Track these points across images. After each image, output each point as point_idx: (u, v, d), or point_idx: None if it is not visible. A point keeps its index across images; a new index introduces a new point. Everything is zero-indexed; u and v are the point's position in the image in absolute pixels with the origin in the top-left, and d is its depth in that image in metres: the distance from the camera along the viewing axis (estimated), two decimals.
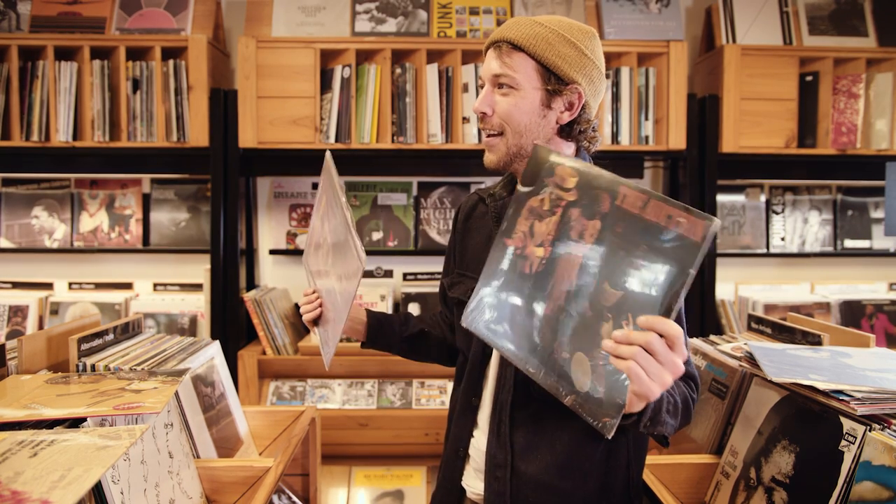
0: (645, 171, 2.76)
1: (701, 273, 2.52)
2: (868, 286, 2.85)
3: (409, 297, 2.65)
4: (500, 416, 1.16)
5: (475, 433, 1.23)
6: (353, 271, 1.11)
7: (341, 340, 2.55)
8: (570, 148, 1.17)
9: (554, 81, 1.09)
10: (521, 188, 1.02)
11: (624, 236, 0.87)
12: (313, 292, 1.33)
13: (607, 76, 2.47)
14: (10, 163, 2.52)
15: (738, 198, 2.82)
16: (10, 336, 2.62)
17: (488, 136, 1.15)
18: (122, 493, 0.95)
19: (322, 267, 1.32)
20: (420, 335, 1.40)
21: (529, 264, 0.99)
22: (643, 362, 0.81)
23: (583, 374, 0.89)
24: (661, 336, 0.81)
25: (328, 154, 1.30)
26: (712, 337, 1.61)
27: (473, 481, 1.22)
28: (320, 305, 1.31)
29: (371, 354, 2.46)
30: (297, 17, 2.54)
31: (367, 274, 2.79)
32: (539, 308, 0.96)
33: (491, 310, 1.03)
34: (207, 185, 2.67)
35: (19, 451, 0.79)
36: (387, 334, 1.37)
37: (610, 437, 0.86)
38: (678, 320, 1.08)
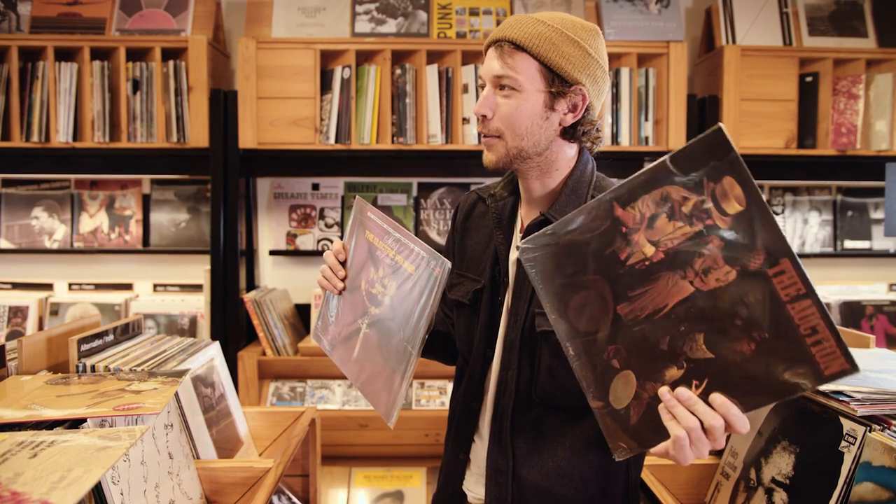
0: None
1: None
2: (868, 287, 2.84)
3: None
4: (502, 421, 1.15)
5: (476, 438, 1.22)
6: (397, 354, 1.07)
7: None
8: (572, 149, 1.14)
9: (557, 83, 1.06)
10: (670, 164, 0.80)
11: (753, 310, 0.74)
12: (343, 276, 1.22)
13: None
14: (10, 163, 2.52)
15: None
16: (10, 337, 2.62)
17: (485, 136, 1.12)
18: (122, 494, 0.95)
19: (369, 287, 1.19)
20: (432, 334, 1.36)
21: (629, 252, 0.84)
22: (695, 438, 0.76)
23: (623, 392, 0.83)
24: (724, 421, 0.76)
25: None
26: None
27: (474, 486, 1.22)
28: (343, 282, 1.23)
29: None
30: (297, 18, 2.54)
31: None
32: (615, 302, 0.86)
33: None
34: (207, 185, 2.67)
35: (19, 451, 0.79)
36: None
37: (617, 460, 0.84)
38: None
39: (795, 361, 0.71)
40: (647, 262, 0.83)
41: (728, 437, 1.29)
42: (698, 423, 0.77)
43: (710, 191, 0.77)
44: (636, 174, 0.84)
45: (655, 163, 0.82)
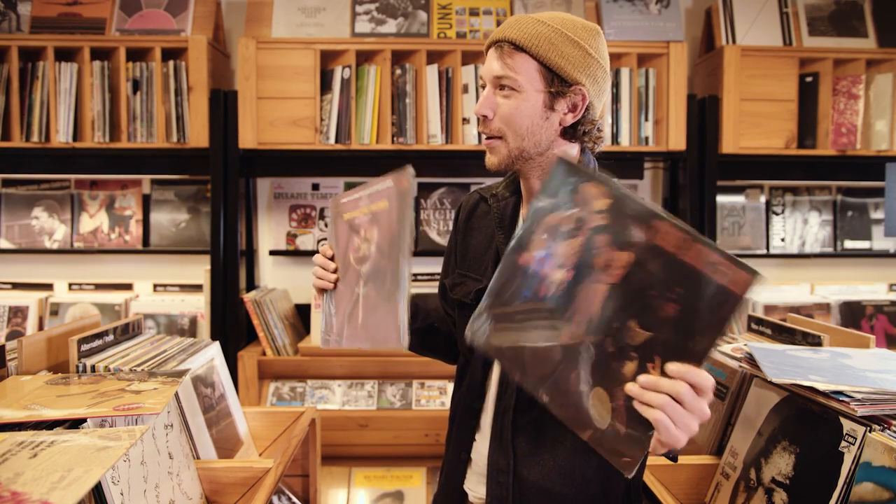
0: (645, 171, 2.76)
1: None
2: (868, 287, 2.84)
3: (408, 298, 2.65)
4: (503, 420, 1.15)
5: (477, 437, 1.22)
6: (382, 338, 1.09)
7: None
8: (573, 149, 1.15)
9: (557, 83, 1.06)
10: (539, 203, 0.93)
11: (658, 275, 0.81)
12: (334, 269, 1.24)
13: None
14: (10, 163, 2.52)
15: (738, 199, 2.82)
16: (10, 337, 2.62)
17: (488, 138, 1.12)
18: (122, 494, 0.95)
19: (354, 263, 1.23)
20: (429, 330, 1.36)
21: (546, 286, 0.91)
22: (672, 413, 0.78)
23: (602, 409, 0.85)
24: (691, 387, 0.78)
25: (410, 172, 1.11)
26: None
27: (475, 485, 1.22)
28: (335, 280, 1.24)
29: (371, 355, 2.47)
30: (297, 18, 2.54)
31: None
32: (556, 335, 0.90)
33: None
34: (207, 185, 2.67)
35: (19, 451, 0.79)
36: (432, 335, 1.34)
37: (630, 476, 0.82)
38: None
39: (713, 296, 0.78)
40: (563, 286, 0.90)
41: (729, 433, 1.29)
42: (668, 399, 0.78)
43: (578, 202, 0.90)
44: (520, 227, 0.96)
45: (531, 210, 0.95)
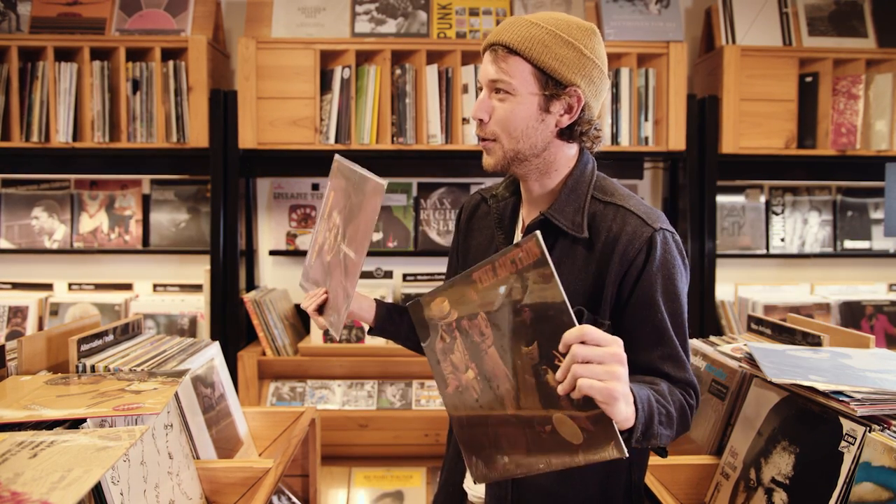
0: (644, 171, 2.76)
1: (700, 274, 2.53)
2: (868, 287, 2.85)
3: (408, 298, 2.65)
4: None
5: None
6: (370, 192, 1.17)
7: (341, 341, 2.55)
8: (572, 149, 1.15)
9: (552, 85, 1.06)
10: (424, 345, 1.07)
11: (502, 303, 0.93)
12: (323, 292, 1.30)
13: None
14: (10, 163, 2.52)
15: (738, 199, 2.82)
16: (9, 337, 2.62)
17: (483, 140, 1.13)
18: (121, 494, 0.95)
19: (328, 256, 1.30)
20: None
21: (472, 390, 1.01)
22: (586, 372, 0.82)
23: (570, 428, 0.89)
24: (583, 343, 0.84)
25: (338, 157, 1.32)
26: (712, 338, 1.61)
27: (475, 485, 1.22)
28: (325, 294, 1.29)
29: (371, 354, 2.47)
30: (296, 18, 2.54)
31: (367, 275, 2.79)
32: (503, 414, 0.98)
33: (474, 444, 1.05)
34: (207, 185, 2.67)
35: (19, 451, 0.79)
36: (395, 322, 1.34)
37: (627, 455, 0.83)
38: (679, 324, 1.08)
39: (532, 277, 0.89)
40: (478, 378, 1.00)
41: (729, 433, 1.29)
42: (575, 366, 0.83)
43: (436, 319, 1.04)
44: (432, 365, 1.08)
45: (426, 351, 1.07)
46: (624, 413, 0.85)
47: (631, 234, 1.06)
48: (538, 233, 0.86)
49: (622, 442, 0.84)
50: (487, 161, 1.14)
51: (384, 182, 1.15)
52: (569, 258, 1.11)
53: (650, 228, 1.06)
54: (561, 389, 0.85)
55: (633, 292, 1.06)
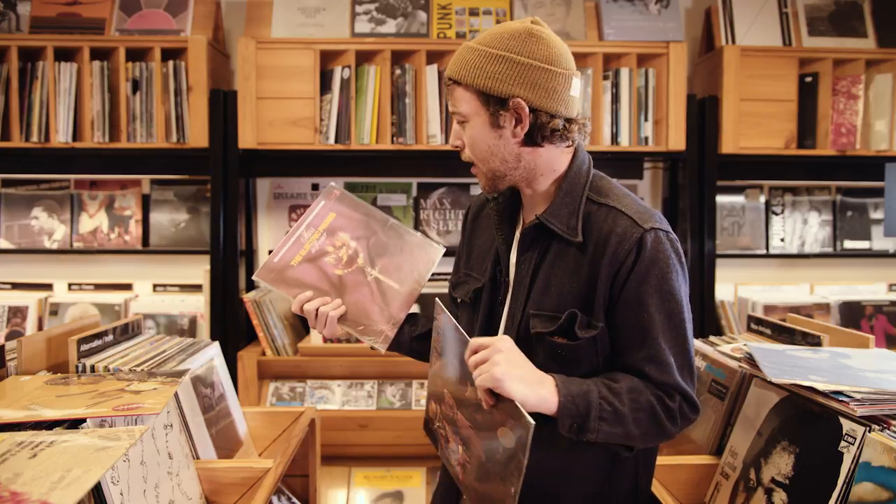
0: (644, 171, 2.76)
1: (700, 274, 2.53)
2: (867, 287, 2.85)
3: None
4: None
5: None
6: (427, 260, 1.34)
7: (341, 341, 2.54)
8: (552, 151, 1.13)
9: (493, 102, 1.08)
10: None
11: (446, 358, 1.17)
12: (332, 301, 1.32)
13: (606, 77, 2.47)
14: (10, 163, 2.52)
15: (738, 199, 2.82)
16: (9, 337, 2.62)
17: (471, 165, 1.19)
18: (121, 495, 0.95)
19: (337, 270, 1.35)
20: (430, 335, 1.38)
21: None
22: (477, 372, 1.00)
23: (505, 434, 0.99)
24: (474, 353, 1.02)
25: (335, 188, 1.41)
26: (712, 338, 1.61)
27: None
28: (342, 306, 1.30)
29: (371, 355, 2.46)
30: (296, 18, 2.54)
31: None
32: (463, 450, 1.12)
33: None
34: (207, 185, 2.67)
35: (19, 452, 0.79)
36: (399, 332, 1.35)
37: (532, 423, 0.91)
38: (676, 325, 1.08)
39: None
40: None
41: (729, 433, 1.29)
42: (474, 370, 1.01)
43: None
44: None
45: None
46: (521, 392, 0.97)
47: (621, 235, 1.07)
48: (437, 301, 1.09)
49: (527, 415, 0.92)
50: (481, 184, 1.20)
51: (443, 248, 1.37)
52: (563, 261, 1.12)
53: (640, 229, 1.07)
54: (477, 395, 1.01)
55: (621, 293, 1.07)
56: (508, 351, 1.01)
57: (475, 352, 1.01)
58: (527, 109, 1.07)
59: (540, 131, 1.10)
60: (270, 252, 2.73)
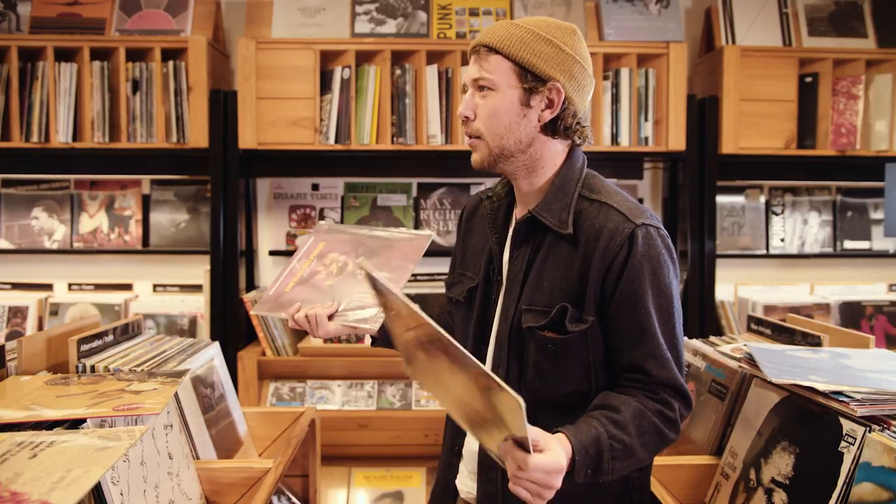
0: (644, 172, 2.76)
1: (700, 274, 2.53)
2: (867, 287, 2.84)
3: (407, 298, 2.65)
4: None
5: (468, 434, 1.23)
6: (415, 248, 1.36)
7: (341, 340, 2.55)
8: (558, 146, 1.15)
9: (531, 79, 1.08)
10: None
11: None
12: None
13: (606, 77, 2.47)
14: (10, 164, 2.52)
15: (738, 199, 2.82)
16: (9, 337, 2.62)
17: (470, 138, 1.16)
18: (121, 495, 0.95)
19: (328, 280, 1.36)
20: None
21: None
22: (519, 483, 0.94)
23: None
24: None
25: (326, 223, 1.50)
26: (712, 338, 1.61)
27: (467, 481, 1.23)
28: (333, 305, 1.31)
29: (371, 354, 2.47)
30: (296, 19, 2.54)
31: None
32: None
33: None
34: (207, 186, 2.66)
35: (19, 452, 0.79)
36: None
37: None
38: (667, 319, 1.09)
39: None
40: None
41: (729, 433, 1.29)
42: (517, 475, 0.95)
43: None
44: None
45: None
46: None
47: (612, 230, 1.07)
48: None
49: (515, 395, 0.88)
50: (474, 158, 1.18)
51: (430, 234, 1.41)
52: (555, 256, 1.12)
53: (632, 224, 1.07)
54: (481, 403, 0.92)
55: (615, 289, 1.07)
56: (548, 476, 0.93)
57: (526, 471, 0.92)
58: (563, 95, 1.09)
59: (563, 121, 1.12)
60: (271, 252, 2.75)
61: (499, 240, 1.22)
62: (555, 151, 1.15)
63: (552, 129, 1.12)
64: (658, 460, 1.30)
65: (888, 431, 0.97)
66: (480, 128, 1.13)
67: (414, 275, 2.74)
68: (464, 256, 1.32)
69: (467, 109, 1.14)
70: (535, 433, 0.93)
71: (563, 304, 1.09)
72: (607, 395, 1.09)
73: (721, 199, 2.76)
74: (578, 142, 1.17)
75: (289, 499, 1.62)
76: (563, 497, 1.14)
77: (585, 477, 1.00)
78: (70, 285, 2.75)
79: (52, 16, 2.50)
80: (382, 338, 1.33)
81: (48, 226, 2.72)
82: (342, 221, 2.76)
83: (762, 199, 2.83)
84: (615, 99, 2.48)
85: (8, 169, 2.55)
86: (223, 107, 2.44)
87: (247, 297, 2.48)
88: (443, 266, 2.88)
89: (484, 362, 1.21)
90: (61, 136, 2.39)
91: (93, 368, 1.25)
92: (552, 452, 0.93)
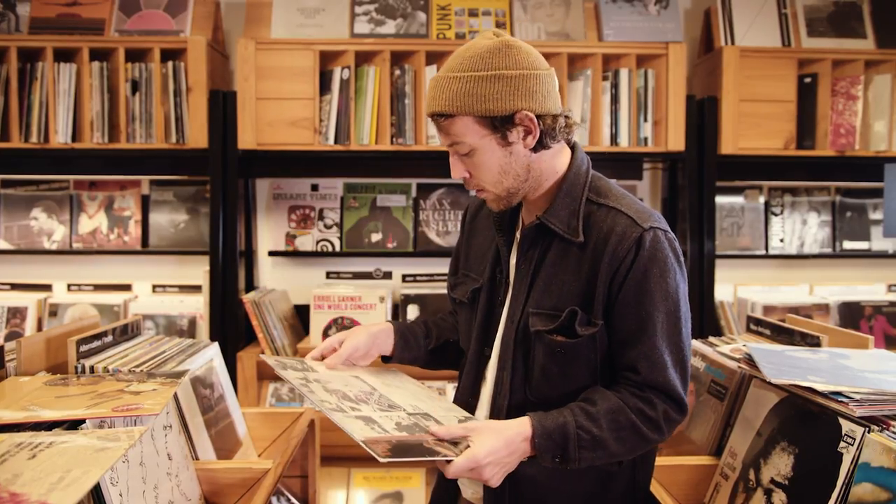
0: (644, 172, 2.76)
1: (700, 275, 2.53)
2: (867, 287, 2.85)
3: (408, 299, 2.65)
4: (497, 418, 1.16)
5: None
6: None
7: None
8: (553, 151, 1.14)
9: (498, 123, 1.06)
10: None
11: None
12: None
13: (605, 77, 2.47)
14: (9, 164, 2.52)
15: (737, 199, 2.82)
16: (8, 338, 2.61)
17: (476, 190, 1.16)
18: (120, 495, 0.95)
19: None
20: (443, 346, 1.37)
21: None
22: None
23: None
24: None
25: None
26: (711, 338, 1.61)
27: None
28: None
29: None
30: (296, 19, 2.54)
31: (366, 275, 2.79)
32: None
33: None
34: (206, 186, 2.66)
35: (18, 452, 0.79)
36: (412, 349, 1.34)
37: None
38: (673, 323, 1.09)
39: None
40: None
41: (728, 433, 1.29)
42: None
43: None
44: None
45: None
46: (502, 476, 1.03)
47: (620, 234, 1.08)
48: None
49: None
50: (491, 206, 1.18)
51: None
52: (564, 260, 1.12)
53: (640, 228, 1.07)
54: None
55: (620, 291, 1.08)
56: (489, 455, 0.99)
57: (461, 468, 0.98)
58: (535, 118, 1.07)
59: (549, 134, 1.10)
60: (270, 253, 2.75)
61: (506, 242, 1.22)
62: (552, 159, 1.15)
63: (541, 144, 1.11)
64: (657, 460, 1.30)
65: (887, 432, 0.97)
66: (480, 182, 1.13)
67: (413, 275, 2.74)
68: (467, 257, 1.32)
69: (459, 173, 1.14)
70: (465, 430, 1.02)
71: (572, 308, 1.09)
72: (593, 389, 1.11)
73: (720, 200, 2.76)
74: (572, 137, 1.16)
75: (288, 499, 1.62)
76: (571, 498, 1.15)
77: (553, 462, 1.04)
78: (69, 286, 2.75)
79: (51, 16, 2.50)
80: (397, 357, 1.34)
81: (47, 226, 2.72)
82: (341, 223, 2.76)
83: (761, 199, 2.83)
84: (614, 99, 2.48)
85: (7, 169, 2.55)
86: (222, 107, 2.44)
87: (246, 297, 2.47)
88: (443, 266, 2.88)
89: (487, 364, 1.22)
90: (60, 136, 2.39)
91: (92, 369, 1.25)
92: (472, 447, 0.99)
